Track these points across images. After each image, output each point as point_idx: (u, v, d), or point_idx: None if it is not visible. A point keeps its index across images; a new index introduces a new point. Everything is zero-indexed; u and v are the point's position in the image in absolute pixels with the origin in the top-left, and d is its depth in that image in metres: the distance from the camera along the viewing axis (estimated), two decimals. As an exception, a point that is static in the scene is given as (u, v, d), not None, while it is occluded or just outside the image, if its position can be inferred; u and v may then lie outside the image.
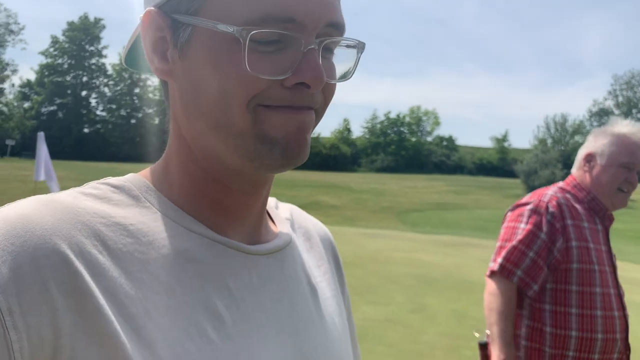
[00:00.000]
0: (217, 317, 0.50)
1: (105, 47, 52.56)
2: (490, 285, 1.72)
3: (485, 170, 57.66)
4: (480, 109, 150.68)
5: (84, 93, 52.69)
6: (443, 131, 79.28)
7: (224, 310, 0.51)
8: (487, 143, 67.71)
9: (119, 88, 53.68)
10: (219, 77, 0.50)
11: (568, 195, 1.82)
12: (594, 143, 1.84)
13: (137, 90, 53.74)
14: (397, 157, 60.25)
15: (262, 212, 0.60)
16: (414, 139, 67.18)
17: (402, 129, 67.30)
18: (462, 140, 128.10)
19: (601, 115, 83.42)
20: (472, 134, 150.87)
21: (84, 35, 50.59)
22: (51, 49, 50.67)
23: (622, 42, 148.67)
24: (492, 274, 1.73)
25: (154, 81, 55.16)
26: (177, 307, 0.48)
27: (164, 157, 0.58)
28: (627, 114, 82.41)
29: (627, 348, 1.75)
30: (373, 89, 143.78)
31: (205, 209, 0.55)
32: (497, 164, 57.76)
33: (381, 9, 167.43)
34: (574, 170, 1.90)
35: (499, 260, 1.71)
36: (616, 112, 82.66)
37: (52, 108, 50.94)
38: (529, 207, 1.76)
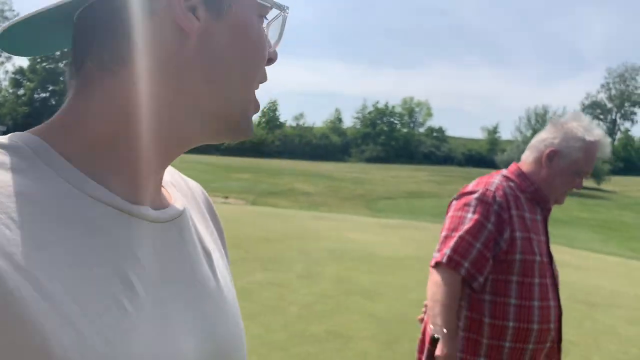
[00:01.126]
0: (131, 288, 0.48)
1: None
2: (435, 276, 1.68)
3: (474, 162, 58.12)
4: (479, 101, 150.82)
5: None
6: (439, 123, 79.86)
7: (136, 281, 0.49)
8: (481, 135, 68.17)
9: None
10: (252, 48, 0.53)
11: (512, 184, 1.79)
12: (563, 142, 1.78)
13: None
14: (386, 148, 60.73)
15: (161, 178, 0.57)
16: (405, 130, 67.64)
17: (392, 119, 67.76)
18: (458, 132, 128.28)
19: (594, 107, 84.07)
20: (470, 126, 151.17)
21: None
22: (43, 36, 51.04)
23: (623, 36, 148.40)
24: (438, 265, 1.68)
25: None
26: (93, 280, 0.45)
27: (69, 112, 0.52)
28: (619, 107, 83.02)
29: (559, 337, 1.78)
30: (372, 80, 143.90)
31: (111, 174, 0.51)
32: (487, 155, 58.22)
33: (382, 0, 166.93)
34: (528, 159, 1.85)
35: (446, 251, 1.67)
36: (609, 105, 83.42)
37: (44, 95, 51.43)
38: (475, 196, 1.72)
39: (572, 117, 1.87)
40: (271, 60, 0.57)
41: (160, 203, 0.56)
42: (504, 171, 1.88)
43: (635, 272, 8.97)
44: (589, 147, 1.76)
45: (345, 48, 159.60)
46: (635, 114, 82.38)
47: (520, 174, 1.83)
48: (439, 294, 1.65)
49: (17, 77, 51.70)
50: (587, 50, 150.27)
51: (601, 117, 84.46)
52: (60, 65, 51.67)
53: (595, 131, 1.80)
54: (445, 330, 1.61)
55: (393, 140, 63.18)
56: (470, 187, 1.80)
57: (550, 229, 1.87)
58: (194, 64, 0.51)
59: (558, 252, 2.25)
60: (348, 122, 69.87)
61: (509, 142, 41.20)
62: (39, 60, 50.92)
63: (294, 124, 61.47)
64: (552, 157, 1.78)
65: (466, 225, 1.68)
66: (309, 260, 7.09)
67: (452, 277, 1.66)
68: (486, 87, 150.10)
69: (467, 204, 1.73)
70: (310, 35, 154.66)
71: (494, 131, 62.92)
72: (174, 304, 0.52)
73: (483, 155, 58.43)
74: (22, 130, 0.52)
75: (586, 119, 1.85)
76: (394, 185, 31.16)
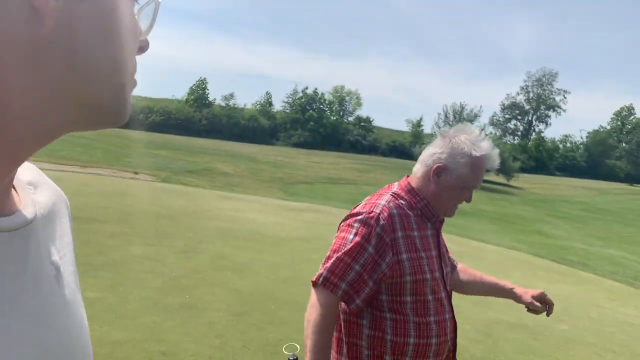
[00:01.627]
0: None
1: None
2: (312, 296, 1.66)
3: (397, 153, 59.88)
4: (409, 94, 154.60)
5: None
6: (369, 113, 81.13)
7: None
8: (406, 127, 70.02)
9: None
10: (120, 32, 0.48)
11: (402, 202, 1.76)
12: (450, 158, 1.75)
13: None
14: (314, 134, 61.21)
15: (12, 179, 0.50)
16: (334, 118, 68.38)
17: (322, 106, 68.31)
18: (387, 122, 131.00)
19: (512, 108, 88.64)
20: (399, 117, 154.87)
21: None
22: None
23: (548, 42, 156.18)
24: (315, 285, 1.67)
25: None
26: None
27: None
28: (535, 109, 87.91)
29: (454, 346, 1.82)
30: (307, 66, 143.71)
31: None
32: (409, 148, 60.02)
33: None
34: (417, 174, 1.82)
35: (323, 272, 1.65)
36: (527, 107, 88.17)
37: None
38: (359, 217, 1.70)
39: (461, 129, 1.81)
40: (142, 49, 0.53)
41: (8, 209, 0.49)
42: (395, 187, 1.84)
43: (508, 261, 9.70)
44: (475, 162, 1.74)
45: (283, 32, 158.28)
46: (549, 117, 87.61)
47: (410, 190, 1.80)
48: (313, 314, 1.62)
49: None
50: (513, 53, 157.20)
51: (519, 118, 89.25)
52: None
53: (483, 145, 1.76)
54: (310, 354, 1.59)
55: (321, 127, 63.72)
56: (358, 207, 1.76)
57: (450, 219, 1.90)
58: (52, 47, 0.43)
59: (450, 241, 2.38)
60: (279, 106, 69.76)
61: (431, 135, 42.67)
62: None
63: (223, 104, 60.50)
64: (439, 173, 1.75)
65: (346, 247, 1.65)
66: (194, 237, 7.19)
67: (327, 298, 1.63)
68: (417, 81, 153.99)
69: (350, 225, 1.70)
70: (248, 16, 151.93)
71: (418, 124, 64.84)
72: (8, 327, 0.46)
73: (406, 147, 60.19)
74: None
75: (475, 131, 1.80)
76: (314, 170, 31.60)
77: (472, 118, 37.49)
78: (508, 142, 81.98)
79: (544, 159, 69.88)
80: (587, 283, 8.63)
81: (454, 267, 2.08)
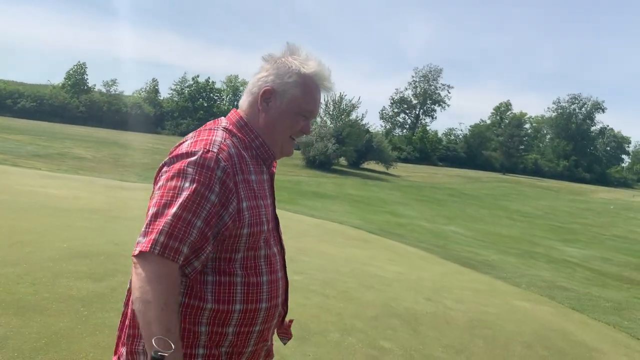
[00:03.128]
0: None
1: None
2: (141, 270, 1.26)
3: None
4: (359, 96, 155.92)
5: None
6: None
7: None
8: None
9: None
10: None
11: (235, 140, 1.47)
12: (277, 79, 1.50)
13: None
14: (203, 123, 59.94)
15: None
16: (225, 107, 67.42)
17: (213, 95, 67.15)
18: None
19: (401, 103, 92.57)
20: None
21: None
22: None
23: (445, 40, 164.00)
24: (144, 256, 1.27)
25: None
26: None
27: None
28: (422, 104, 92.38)
29: (285, 311, 1.61)
30: (205, 56, 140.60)
31: None
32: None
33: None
34: (244, 104, 1.55)
35: (157, 237, 1.27)
36: (414, 101, 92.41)
37: None
38: (193, 159, 1.34)
39: (288, 50, 1.56)
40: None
41: None
42: (224, 122, 1.53)
43: (315, 230, 10.04)
44: (307, 81, 1.51)
45: (184, 22, 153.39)
46: (435, 111, 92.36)
47: (243, 125, 1.52)
48: (151, 292, 1.24)
49: None
50: (406, 52, 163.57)
51: (407, 111, 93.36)
52: None
53: (311, 62, 1.54)
54: (171, 344, 1.22)
55: (212, 116, 61.94)
56: (185, 146, 1.39)
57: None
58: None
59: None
60: (166, 94, 67.55)
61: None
62: None
63: (104, 90, 57.47)
64: (267, 98, 1.50)
65: (182, 199, 1.29)
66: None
67: (168, 269, 1.27)
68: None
69: (182, 171, 1.33)
70: (148, 3, 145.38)
71: (309, 115, 65.53)
72: None
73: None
74: None
75: (304, 52, 1.56)
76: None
77: (350, 108, 38.53)
78: (396, 134, 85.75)
79: (428, 150, 73.44)
80: (379, 248, 9.16)
81: None
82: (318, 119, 39.46)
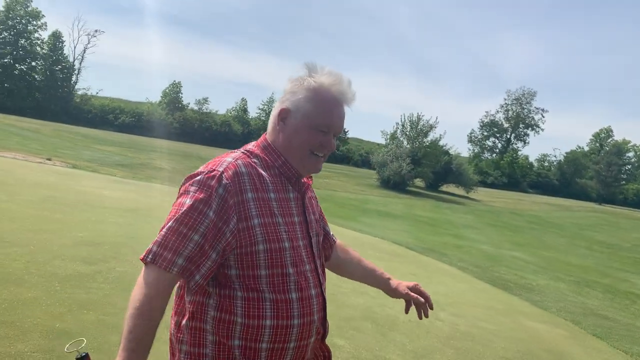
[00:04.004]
0: None
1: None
2: (140, 276, 1.37)
3: (370, 164, 60.34)
4: (403, 111, 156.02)
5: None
6: (360, 127, 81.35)
7: None
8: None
9: (1, 36, 51.36)
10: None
11: (255, 161, 1.51)
12: (291, 97, 1.53)
13: (22, 42, 51.63)
14: (287, 142, 61.60)
15: None
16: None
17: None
18: (374, 137, 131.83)
19: (491, 126, 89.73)
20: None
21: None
22: None
23: (543, 61, 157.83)
24: (145, 263, 1.37)
25: (41, 34, 53.27)
26: None
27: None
28: (514, 128, 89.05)
29: (324, 328, 1.59)
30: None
31: None
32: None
33: (322, 1, 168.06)
34: (269, 128, 1.59)
35: (152, 247, 1.36)
36: (505, 124, 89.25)
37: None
38: (197, 178, 1.41)
39: (307, 69, 1.55)
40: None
41: None
42: (250, 145, 1.60)
43: (369, 249, 10.07)
44: (318, 95, 1.50)
45: (274, 42, 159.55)
46: (527, 135, 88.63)
47: (266, 147, 1.56)
48: (136, 296, 1.32)
49: None
50: (503, 73, 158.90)
51: (497, 135, 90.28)
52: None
53: (324, 77, 1.53)
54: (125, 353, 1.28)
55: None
56: (201, 167, 1.47)
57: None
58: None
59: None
60: (255, 113, 70.22)
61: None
62: None
63: (196, 108, 60.94)
64: (284, 117, 1.53)
65: (179, 214, 1.36)
66: (29, 204, 7.57)
67: (157, 277, 1.34)
68: (407, 98, 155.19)
69: (186, 190, 1.41)
70: (240, 24, 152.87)
71: (392, 136, 65.44)
72: None
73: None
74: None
75: (325, 69, 1.55)
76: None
77: (427, 129, 38.03)
78: (485, 158, 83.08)
79: (517, 176, 70.52)
80: (406, 262, 9.03)
81: (331, 243, 1.88)
82: (392, 138, 39.33)
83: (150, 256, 1.35)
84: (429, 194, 38.67)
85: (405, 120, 38.21)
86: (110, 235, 6.27)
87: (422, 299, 1.75)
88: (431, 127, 37.69)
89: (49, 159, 17.21)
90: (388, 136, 40.32)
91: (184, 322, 1.45)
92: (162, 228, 1.38)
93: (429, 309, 1.78)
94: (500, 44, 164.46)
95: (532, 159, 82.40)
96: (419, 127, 37.91)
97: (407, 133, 38.27)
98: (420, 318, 1.79)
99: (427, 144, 38.06)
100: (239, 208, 1.39)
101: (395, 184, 36.11)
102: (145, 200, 10.31)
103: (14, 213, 6.60)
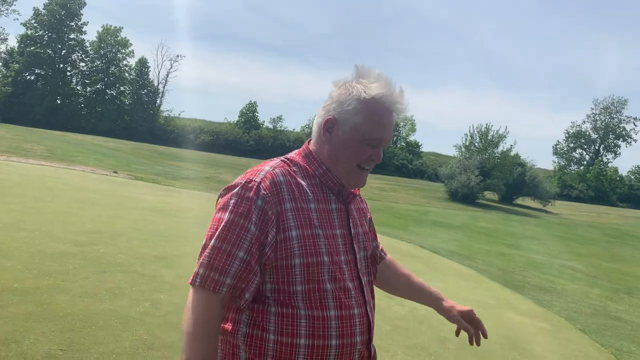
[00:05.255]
0: None
1: (84, 24, 55.01)
2: (189, 299, 1.33)
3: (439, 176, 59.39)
4: (506, 126, 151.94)
5: (61, 66, 55.14)
6: (437, 142, 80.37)
7: None
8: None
9: (95, 64, 56.11)
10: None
11: (295, 169, 1.44)
12: (338, 107, 1.43)
13: (112, 69, 56.09)
14: (359, 157, 62.02)
15: None
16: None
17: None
18: (449, 151, 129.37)
19: (578, 137, 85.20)
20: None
21: (63, 9, 53.11)
22: (32, 21, 53.19)
23: (634, 67, 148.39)
24: (193, 286, 1.33)
25: (129, 61, 57.63)
26: None
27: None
28: (603, 139, 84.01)
29: (369, 350, 1.48)
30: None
31: None
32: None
33: (403, 21, 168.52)
34: (314, 136, 1.52)
35: (199, 270, 1.32)
36: (593, 135, 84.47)
37: (29, 77, 53.46)
38: (235, 190, 1.35)
39: (357, 73, 1.46)
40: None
41: None
42: (292, 153, 1.54)
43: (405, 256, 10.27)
44: (369, 106, 1.41)
45: (354, 61, 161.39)
46: (619, 146, 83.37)
47: (307, 155, 1.50)
48: (189, 321, 1.31)
49: (6, 57, 53.84)
50: (594, 82, 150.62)
51: (585, 147, 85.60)
52: (48, 51, 53.78)
53: (374, 85, 1.42)
54: None
55: (369, 151, 64.32)
56: (239, 178, 1.42)
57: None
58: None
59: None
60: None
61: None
62: (28, 42, 53.09)
63: (271, 126, 63.08)
64: (330, 128, 1.45)
65: (219, 231, 1.32)
66: (63, 204, 8.57)
67: (208, 300, 1.31)
68: (496, 111, 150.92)
69: (225, 203, 1.35)
70: (326, 46, 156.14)
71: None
72: None
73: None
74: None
75: (374, 73, 1.45)
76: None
77: (497, 139, 37.00)
78: (572, 170, 78.95)
79: (605, 189, 66.35)
80: (416, 262, 9.11)
81: (381, 258, 1.82)
82: (463, 150, 38.60)
83: (198, 280, 1.31)
84: (501, 206, 37.49)
85: (473, 131, 37.45)
86: (118, 227, 6.99)
87: (472, 330, 1.66)
88: (501, 137, 36.67)
89: (115, 172, 18.72)
90: (460, 149, 39.71)
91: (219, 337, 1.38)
92: (205, 248, 1.33)
93: (481, 338, 1.68)
94: (589, 50, 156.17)
95: (624, 171, 77.26)
96: (489, 137, 36.99)
97: (476, 144, 37.44)
98: (471, 344, 1.68)
99: (498, 155, 37.01)
100: (277, 220, 1.33)
101: (464, 196, 35.36)
102: (176, 203, 11.12)
103: (46, 209, 7.51)
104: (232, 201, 1.34)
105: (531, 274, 11.12)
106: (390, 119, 1.44)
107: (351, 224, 1.50)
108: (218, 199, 1.41)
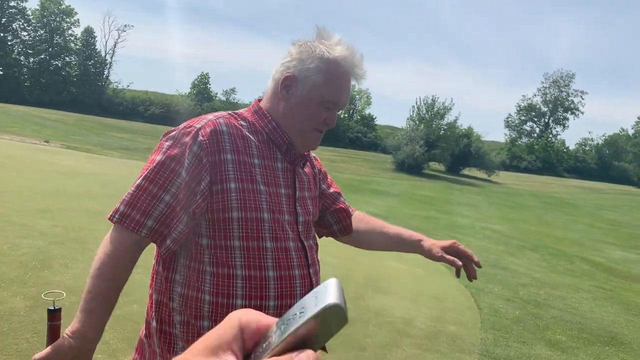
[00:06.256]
0: None
1: (26, -9, 52.96)
2: (107, 234, 1.29)
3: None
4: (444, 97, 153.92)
5: (1, 35, 52.93)
6: (389, 113, 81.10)
7: None
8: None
9: (38, 34, 54.10)
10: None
11: (242, 123, 1.39)
12: (299, 65, 1.38)
13: (57, 39, 54.20)
14: (314, 129, 62.25)
15: None
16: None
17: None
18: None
19: (529, 110, 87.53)
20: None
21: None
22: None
23: (591, 45, 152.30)
24: (112, 222, 1.28)
25: (74, 31, 55.74)
26: None
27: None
28: (552, 112, 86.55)
29: None
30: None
31: None
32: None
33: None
34: (267, 93, 1.45)
35: (120, 206, 1.26)
36: (543, 108, 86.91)
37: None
38: (171, 134, 1.31)
39: (318, 35, 1.42)
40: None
41: None
42: (241, 110, 1.47)
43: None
44: (331, 67, 1.37)
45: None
46: (567, 119, 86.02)
47: (257, 110, 1.44)
48: (99, 255, 1.25)
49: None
50: (548, 57, 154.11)
51: (535, 120, 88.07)
52: None
53: (339, 47, 1.39)
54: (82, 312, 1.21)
55: (324, 124, 64.60)
56: (183, 124, 1.35)
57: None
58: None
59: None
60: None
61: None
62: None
63: (224, 98, 62.41)
64: (288, 85, 1.39)
65: (148, 171, 1.27)
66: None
67: (123, 237, 1.26)
68: (451, 85, 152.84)
69: (159, 146, 1.31)
70: (294, 19, 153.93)
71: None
72: None
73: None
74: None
75: (336, 37, 1.42)
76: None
77: (443, 111, 37.79)
78: (522, 143, 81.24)
79: (552, 160, 68.73)
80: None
81: (349, 213, 1.76)
82: (411, 122, 39.27)
83: (117, 216, 1.26)
84: (447, 177, 38.46)
85: (420, 103, 38.11)
86: (13, 185, 7.04)
87: (459, 263, 1.52)
88: (446, 109, 37.45)
89: (47, 141, 18.39)
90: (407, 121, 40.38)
91: (153, 295, 1.35)
92: (132, 185, 1.28)
93: (475, 268, 1.56)
94: (543, 26, 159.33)
95: (572, 143, 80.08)
96: (435, 109, 37.72)
97: (422, 115, 38.14)
98: (470, 280, 1.58)
99: (444, 126, 37.83)
100: (214, 169, 1.27)
101: (410, 167, 36.12)
102: (93, 168, 11.14)
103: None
104: (167, 144, 1.30)
105: (443, 233, 11.67)
106: (349, 83, 1.42)
107: (297, 186, 1.45)
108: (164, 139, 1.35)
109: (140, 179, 1.27)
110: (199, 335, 1.19)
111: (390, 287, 5.54)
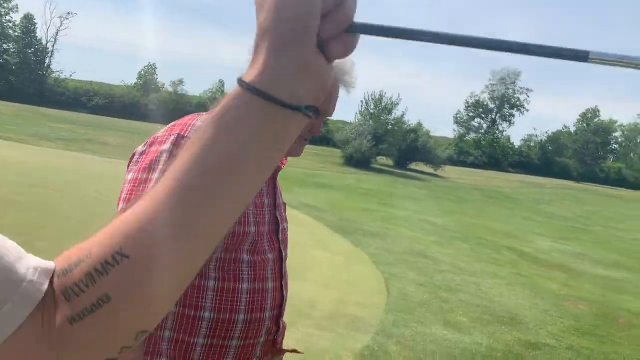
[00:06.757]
0: None
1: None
2: None
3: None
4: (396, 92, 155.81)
5: None
6: (343, 107, 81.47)
7: None
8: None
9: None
10: None
11: None
12: None
13: (-7, 25, 51.87)
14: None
15: None
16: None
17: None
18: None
19: (477, 107, 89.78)
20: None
21: None
22: None
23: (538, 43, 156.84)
24: None
25: (13, 17, 53.41)
26: None
27: None
28: (499, 109, 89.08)
29: (278, 325, 1.38)
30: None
31: None
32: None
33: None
34: None
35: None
36: (491, 105, 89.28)
37: None
38: (165, 147, 1.21)
39: None
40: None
41: None
42: None
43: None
44: None
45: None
46: (513, 116, 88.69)
47: None
48: None
49: None
50: (495, 54, 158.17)
51: (483, 116, 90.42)
52: None
53: None
54: None
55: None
56: (161, 133, 1.26)
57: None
58: None
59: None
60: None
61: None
62: None
63: (171, 89, 61.18)
64: None
65: (126, 193, 1.18)
66: None
67: None
68: (410, 84, 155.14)
69: (155, 162, 1.18)
70: (249, 10, 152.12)
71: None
72: None
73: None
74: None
75: None
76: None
77: (390, 106, 38.34)
78: (470, 139, 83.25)
79: (498, 156, 70.85)
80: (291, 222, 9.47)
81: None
82: (359, 117, 39.66)
83: None
84: (394, 171, 39.06)
85: (368, 98, 38.53)
86: None
87: None
88: (394, 105, 38.02)
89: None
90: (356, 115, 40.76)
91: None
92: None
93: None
94: (495, 23, 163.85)
95: (519, 140, 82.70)
96: (382, 104, 38.22)
97: (370, 111, 38.58)
98: None
99: (391, 121, 38.39)
100: None
101: (358, 161, 36.49)
102: (17, 158, 10.75)
103: None
104: (135, 158, 1.21)
105: (376, 225, 11.87)
106: (337, 91, 1.36)
107: (277, 194, 1.43)
108: (134, 155, 1.25)
109: (120, 205, 1.18)
110: (157, 346, 1.22)
111: (306, 273, 5.59)
